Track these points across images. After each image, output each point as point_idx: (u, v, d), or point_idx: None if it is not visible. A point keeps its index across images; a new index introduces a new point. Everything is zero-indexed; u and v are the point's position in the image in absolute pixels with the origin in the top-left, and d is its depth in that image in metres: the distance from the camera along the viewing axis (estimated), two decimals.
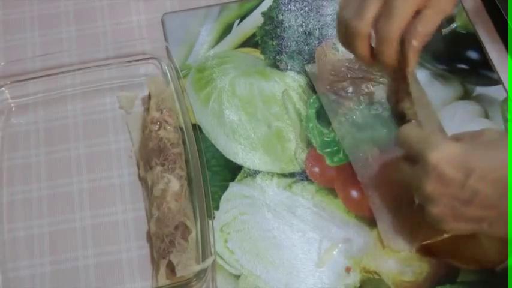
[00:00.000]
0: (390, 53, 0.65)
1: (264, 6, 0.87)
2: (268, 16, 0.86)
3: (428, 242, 0.69)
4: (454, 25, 0.83)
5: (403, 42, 0.65)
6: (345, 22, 0.66)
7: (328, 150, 0.76)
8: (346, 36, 0.66)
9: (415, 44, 0.65)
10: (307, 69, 0.81)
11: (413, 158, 0.62)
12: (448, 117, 0.77)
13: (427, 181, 0.60)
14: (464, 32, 0.83)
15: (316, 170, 0.75)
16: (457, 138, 0.64)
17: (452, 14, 0.71)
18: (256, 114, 0.78)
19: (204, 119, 0.78)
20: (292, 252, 0.70)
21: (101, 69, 0.81)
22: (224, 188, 0.74)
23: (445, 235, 0.69)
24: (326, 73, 0.80)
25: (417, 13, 0.64)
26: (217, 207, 0.72)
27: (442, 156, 0.59)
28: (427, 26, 0.65)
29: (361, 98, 0.77)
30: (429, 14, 0.65)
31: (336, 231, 0.71)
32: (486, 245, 0.68)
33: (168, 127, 0.74)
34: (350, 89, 0.78)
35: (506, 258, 0.68)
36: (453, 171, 0.59)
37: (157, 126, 0.74)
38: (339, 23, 0.68)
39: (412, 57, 0.65)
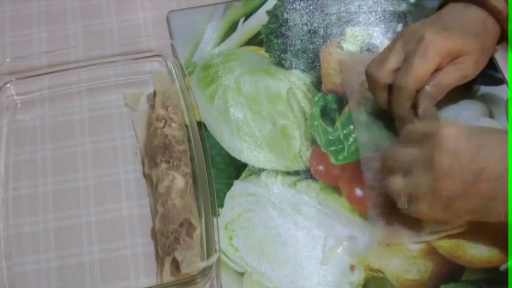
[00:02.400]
0: (403, 104, 0.70)
1: (269, 5, 0.87)
2: (273, 14, 0.86)
3: (428, 240, 0.69)
4: None
5: (417, 92, 0.71)
6: (369, 73, 0.73)
7: (333, 148, 0.76)
8: (369, 84, 0.74)
9: (428, 89, 0.70)
10: (342, 58, 0.82)
11: (421, 140, 0.64)
12: (452, 116, 0.77)
13: (440, 155, 0.61)
14: None
15: (321, 168, 0.75)
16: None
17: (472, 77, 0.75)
18: (261, 112, 0.79)
19: (209, 117, 0.78)
20: (296, 249, 0.70)
21: (106, 66, 0.81)
22: (229, 186, 0.74)
23: (447, 233, 0.69)
24: (357, 66, 0.80)
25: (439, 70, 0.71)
26: (221, 205, 0.73)
27: (453, 131, 0.62)
28: (444, 78, 0.71)
29: None
30: (450, 70, 0.71)
31: (341, 229, 0.71)
32: (490, 243, 0.69)
33: (173, 124, 0.74)
34: None
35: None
36: (464, 145, 0.61)
37: (163, 124, 0.74)
38: (365, 73, 0.74)
39: (422, 100, 0.70)
